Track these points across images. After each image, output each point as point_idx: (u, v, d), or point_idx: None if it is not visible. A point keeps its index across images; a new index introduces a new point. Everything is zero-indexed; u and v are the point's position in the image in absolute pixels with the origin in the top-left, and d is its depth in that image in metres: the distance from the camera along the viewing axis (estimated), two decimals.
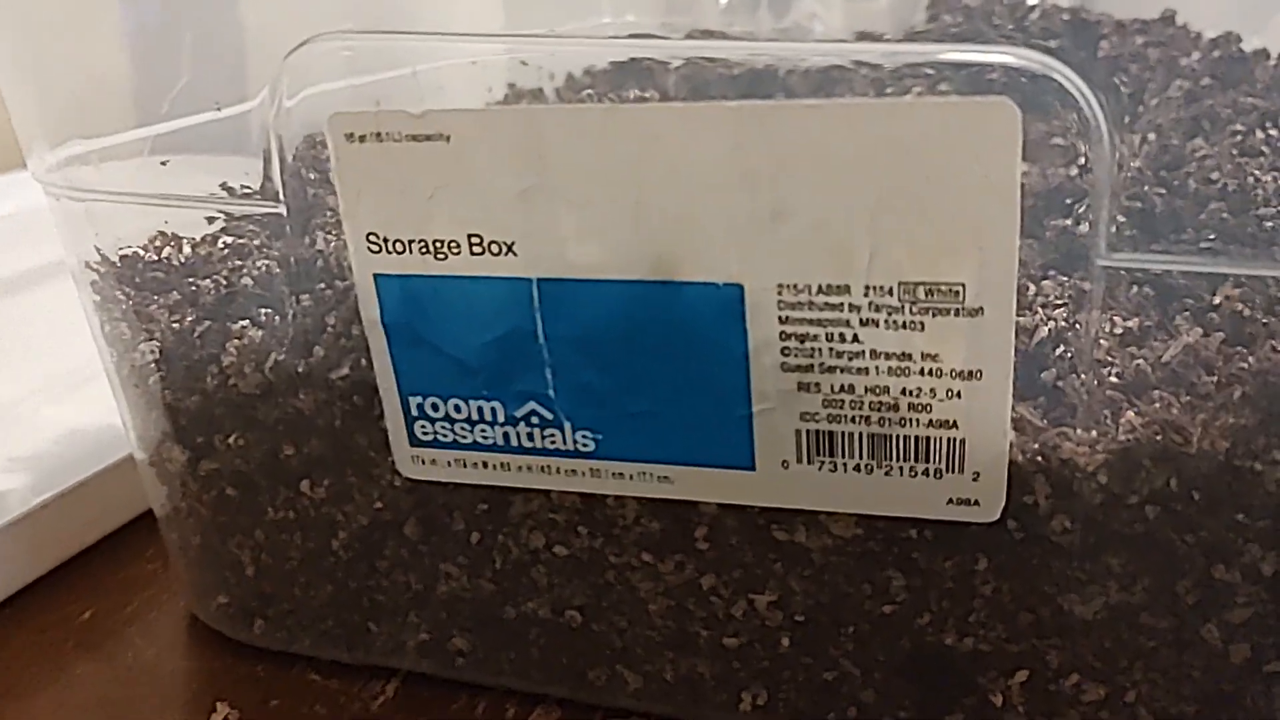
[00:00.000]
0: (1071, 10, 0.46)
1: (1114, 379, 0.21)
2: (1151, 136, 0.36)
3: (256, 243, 0.27)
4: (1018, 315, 0.21)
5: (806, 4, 0.65)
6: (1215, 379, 0.20)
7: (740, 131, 0.19)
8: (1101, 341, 0.22)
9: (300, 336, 0.25)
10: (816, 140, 0.19)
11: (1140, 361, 0.21)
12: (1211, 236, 0.27)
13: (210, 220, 0.29)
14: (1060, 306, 0.22)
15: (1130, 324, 0.23)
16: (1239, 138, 0.33)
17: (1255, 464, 0.20)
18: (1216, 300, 0.21)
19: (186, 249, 0.29)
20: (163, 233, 0.29)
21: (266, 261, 0.26)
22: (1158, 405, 0.20)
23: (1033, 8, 0.46)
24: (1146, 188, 0.29)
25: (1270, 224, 0.27)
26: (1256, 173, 0.28)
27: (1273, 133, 0.33)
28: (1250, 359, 0.20)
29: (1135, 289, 0.23)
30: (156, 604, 0.31)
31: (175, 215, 0.28)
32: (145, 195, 0.26)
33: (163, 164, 0.31)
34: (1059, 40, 0.44)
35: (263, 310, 0.25)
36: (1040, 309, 0.21)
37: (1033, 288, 0.22)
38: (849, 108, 0.19)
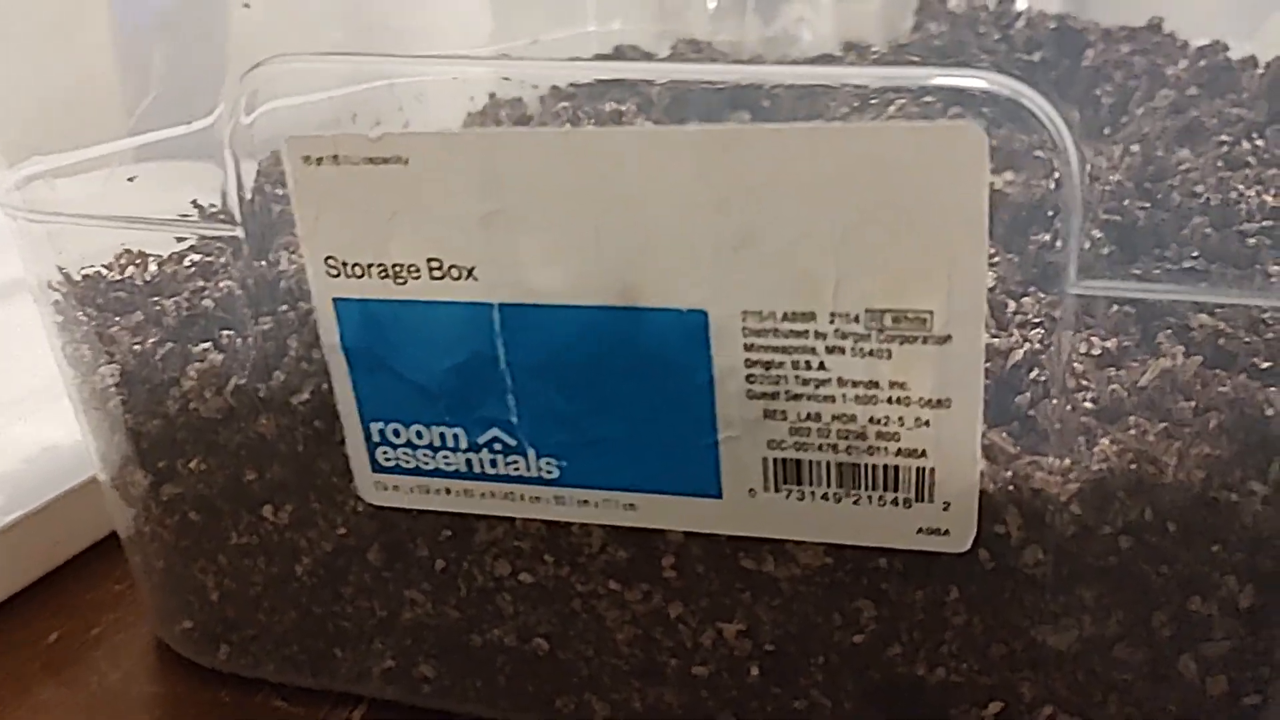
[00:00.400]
0: (1057, 18, 0.45)
1: (1089, 404, 0.21)
2: (1135, 148, 0.35)
3: (223, 260, 0.27)
4: (992, 338, 0.21)
5: (795, 10, 0.65)
6: (1193, 405, 0.20)
7: (702, 157, 0.19)
8: (1076, 365, 0.21)
9: (261, 360, 0.24)
10: (780, 166, 0.19)
11: (1116, 386, 0.21)
12: (1194, 254, 0.26)
13: (180, 238, 0.28)
14: (1035, 327, 0.22)
15: (1108, 344, 0.22)
16: (1225, 149, 0.32)
17: (1232, 495, 0.19)
18: (1193, 324, 0.21)
19: (153, 267, 0.28)
20: (129, 250, 0.29)
21: (229, 283, 0.25)
22: (1133, 433, 0.20)
23: (1018, 16, 0.45)
24: (1127, 201, 0.28)
25: (1253, 240, 0.26)
26: (1240, 187, 0.28)
27: (1259, 143, 0.33)
28: (1227, 386, 0.20)
29: (1114, 308, 0.23)
30: (123, 627, 0.30)
31: (142, 231, 0.28)
32: (103, 217, 0.25)
33: (130, 180, 0.30)
34: (1043, 50, 0.43)
35: (225, 332, 0.25)
36: (1014, 332, 0.21)
37: (1005, 310, 0.21)
38: (814, 133, 0.19)
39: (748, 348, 0.20)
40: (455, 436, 0.23)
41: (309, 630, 0.26)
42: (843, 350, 0.20)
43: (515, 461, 0.23)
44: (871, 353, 0.20)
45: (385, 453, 0.24)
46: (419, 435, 0.23)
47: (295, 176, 0.21)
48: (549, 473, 0.23)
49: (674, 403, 0.21)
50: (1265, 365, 0.22)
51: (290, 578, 0.26)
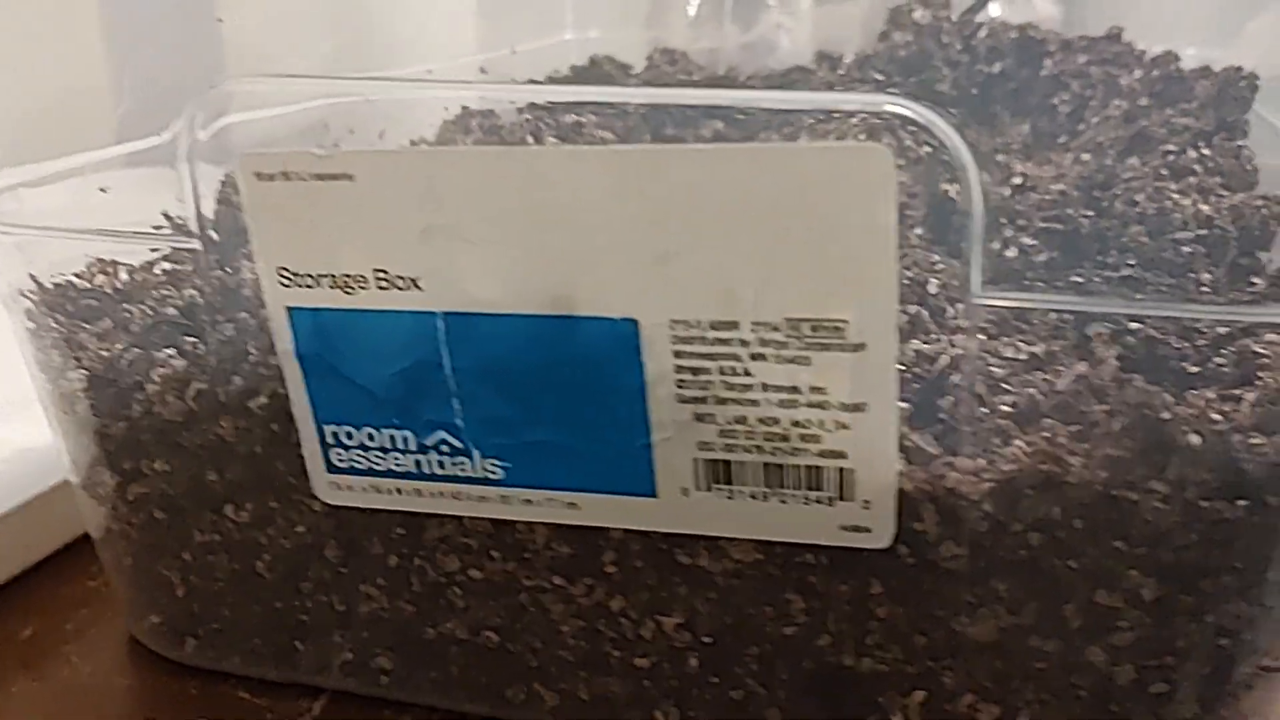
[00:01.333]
0: (1019, 28, 0.46)
1: (1006, 408, 0.22)
2: (1086, 156, 0.36)
3: (191, 268, 0.28)
4: (920, 344, 0.22)
5: (773, 17, 0.66)
6: (1100, 409, 0.21)
7: (625, 175, 0.20)
8: (996, 369, 0.22)
9: (221, 365, 0.25)
10: (701, 183, 0.20)
11: (1034, 390, 0.22)
12: (1131, 261, 0.27)
13: (154, 247, 0.29)
14: (950, 335, 0.23)
15: (1036, 349, 0.24)
16: (1171, 158, 0.33)
17: (1131, 494, 0.20)
18: (1090, 333, 0.22)
19: (124, 275, 0.29)
20: (100, 259, 0.29)
21: (193, 291, 0.26)
22: (1043, 435, 0.21)
23: (979, 26, 0.46)
24: (1070, 210, 0.29)
25: (1188, 249, 0.28)
26: (1175, 196, 0.29)
27: (1206, 152, 0.34)
28: (1129, 390, 0.21)
29: (1050, 314, 0.24)
30: (96, 623, 0.31)
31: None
32: (66, 230, 0.26)
33: (101, 190, 0.31)
34: (1003, 61, 0.44)
35: (188, 339, 0.26)
36: (928, 339, 0.22)
37: (921, 318, 0.22)
38: (732, 152, 0.20)
39: (676, 354, 0.21)
40: (404, 439, 0.24)
41: (271, 624, 0.28)
42: (765, 357, 0.21)
43: (461, 463, 0.24)
44: (792, 360, 0.21)
45: (339, 454, 0.25)
46: (370, 438, 0.24)
47: (248, 191, 0.22)
48: (493, 473, 0.24)
49: (609, 407, 0.22)
50: (1193, 370, 0.23)
51: (252, 574, 0.27)
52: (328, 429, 0.24)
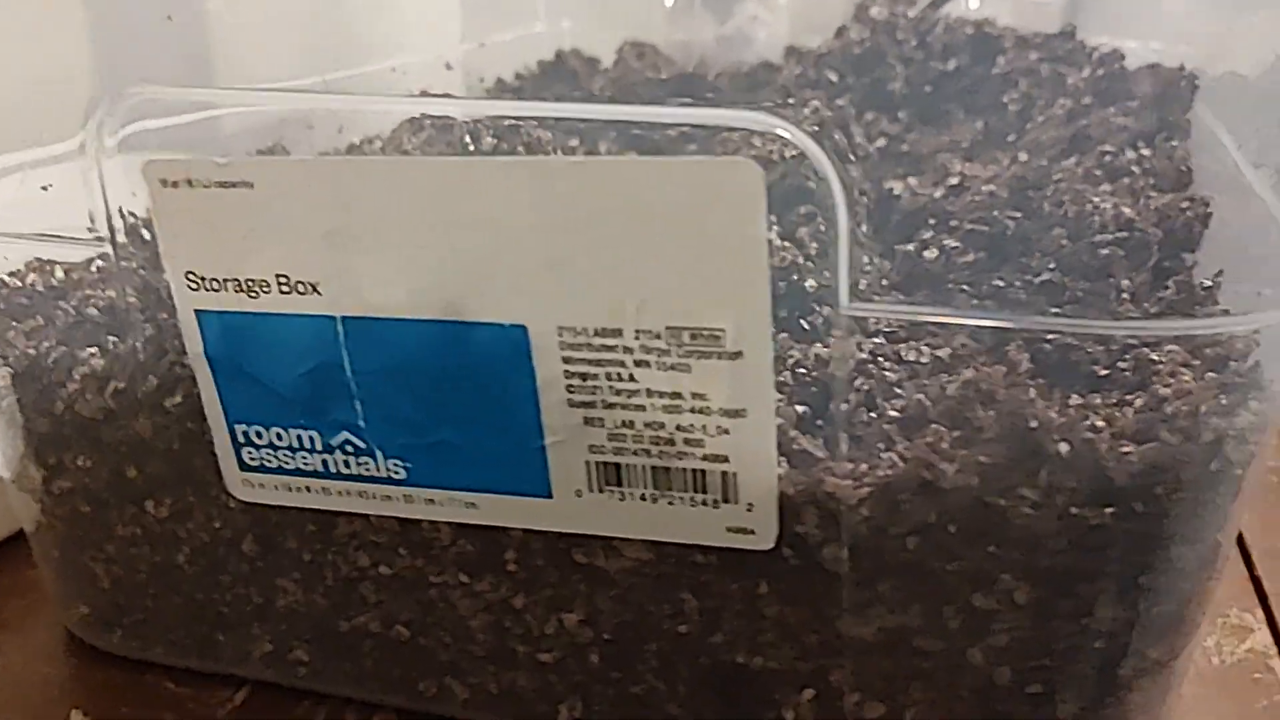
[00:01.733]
0: (975, 24, 0.47)
1: (894, 413, 0.22)
2: (1023, 156, 0.37)
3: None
4: (797, 352, 0.23)
5: (749, 7, 0.66)
6: (977, 416, 0.21)
7: (511, 186, 0.21)
8: (890, 375, 0.23)
9: (140, 364, 0.26)
10: (582, 195, 0.20)
11: (922, 395, 0.22)
12: (1051, 265, 0.28)
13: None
14: (831, 343, 0.23)
15: (941, 353, 0.24)
16: (1108, 158, 0.34)
17: (1001, 500, 0.21)
18: (946, 351, 0.22)
19: (60, 273, 0.30)
20: (39, 257, 0.30)
21: (113, 292, 0.27)
22: (922, 440, 0.21)
23: (936, 23, 0.47)
24: (997, 212, 0.30)
25: (1105, 251, 0.28)
26: (1095, 199, 0.29)
27: (1145, 152, 0.34)
28: (1000, 398, 0.21)
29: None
30: (31, 613, 0.32)
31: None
32: None
33: (43, 189, 0.32)
34: (958, 58, 0.45)
35: (110, 338, 0.27)
36: (806, 348, 0.22)
37: (799, 327, 0.23)
38: (607, 165, 0.20)
39: (565, 360, 0.22)
40: (311, 439, 0.25)
41: (193, 616, 0.28)
42: (649, 364, 0.21)
43: (366, 463, 0.24)
44: (673, 366, 0.21)
45: (250, 453, 0.25)
46: (279, 437, 0.25)
47: (154, 197, 0.23)
48: (396, 473, 0.24)
49: (503, 410, 0.23)
50: (1103, 374, 0.23)
51: (172, 567, 0.28)
52: (238, 428, 0.25)
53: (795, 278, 0.23)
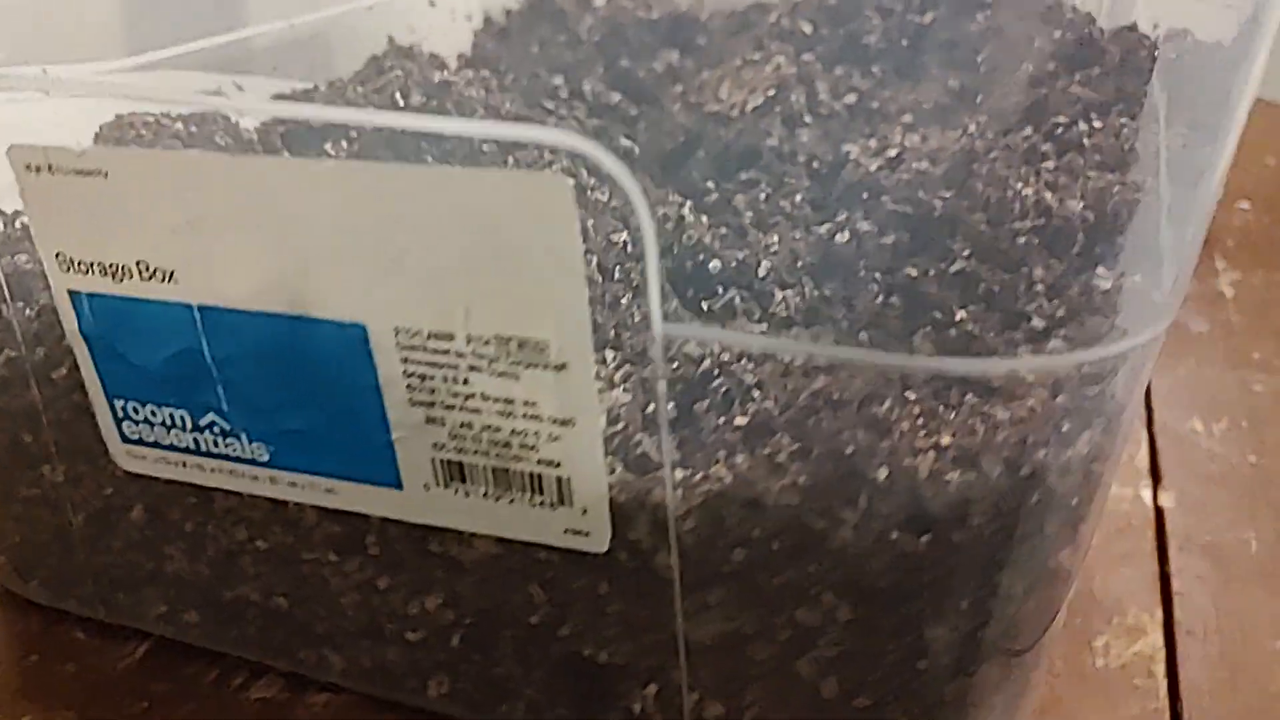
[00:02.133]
0: None
1: (719, 429, 0.22)
2: (972, 127, 0.36)
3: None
4: (615, 366, 0.22)
5: None
6: (794, 440, 0.21)
7: (348, 189, 0.21)
8: (718, 390, 0.23)
9: (30, 336, 0.26)
10: (409, 201, 0.20)
11: (745, 414, 0.22)
12: (967, 253, 0.27)
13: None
14: (649, 360, 0.23)
15: (748, 376, 0.23)
16: (1060, 131, 0.32)
17: (819, 521, 0.21)
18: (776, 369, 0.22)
19: None
20: None
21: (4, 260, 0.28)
22: (745, 458, 0.21)
23: None
24: (923, 192, 0.29)
25: (1023, 240, 0.27)
26: (1017, 185, 0.28)
27: (1096, 125, 0.33)
28: (825, 421, 0.21)
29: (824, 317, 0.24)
30: None
31: None
32: None
33: None
34: (936, 11, 0.43)
35: (1, 305, 0.27)
36: (620, 365, 0.22)
37: (622, 344, 0.23)
38: (429, 173, 0.20)
39: (404, 360, 0.22)
40: (182, 417, 0.25)
41: (95, 574, 0.29)
42: (481, 370, 0.22)
43: (232, 444, 0.25)
44: (504, 374, 0.21)
45: (130, 426, 0.26)
46: (154, 414, 0.25)
47: (21, 181, 0.23)
48: (260, 456, 0.25)
49: (351, 403, 0.23)
50: (930, 399, 0.22)
51: (70, 528, 0.29)
52: (117, 403, 0.26)
53: (610, 296, 0.23)
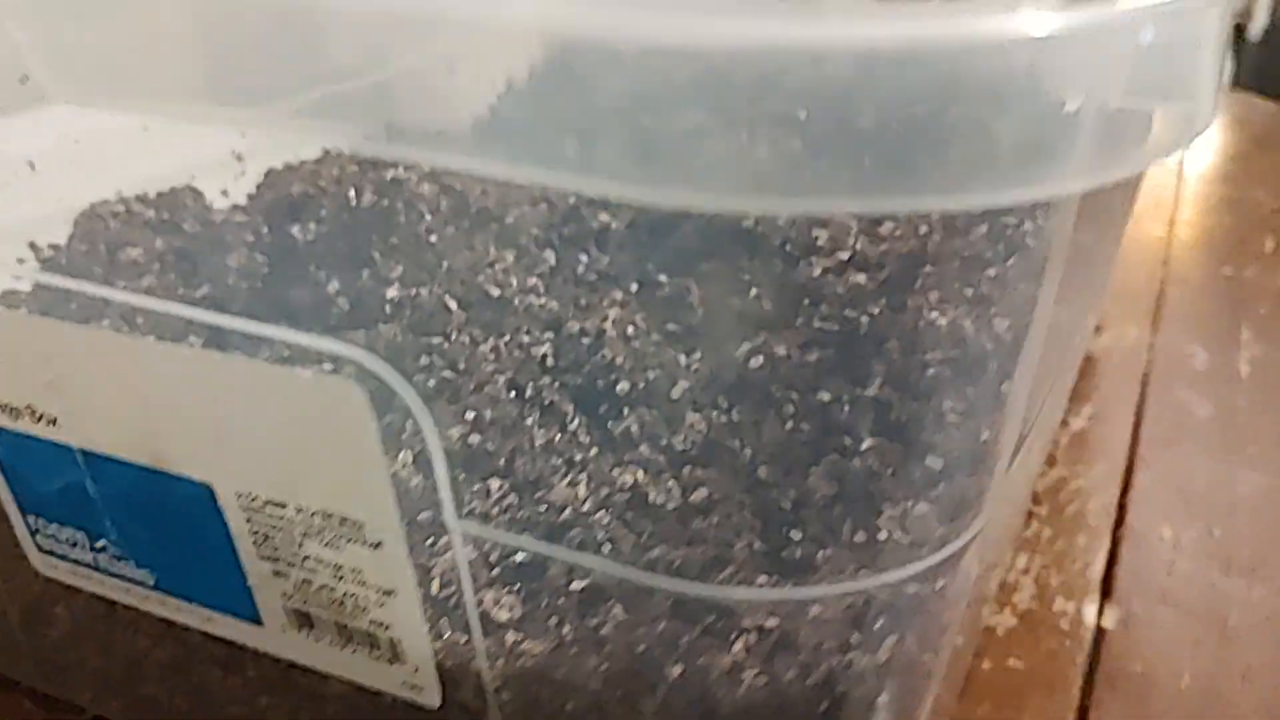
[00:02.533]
0: None
1: (542, 608, 0.23)
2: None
3: None
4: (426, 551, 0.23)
5: None
6: (593, 631, 0.22)
7: (183, 369, 0.22)
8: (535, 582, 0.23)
9: None
10: (234, 385, 0.21)
11: (546, 602, 0.22)
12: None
13: None
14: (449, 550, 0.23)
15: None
16: None
17: (619, 709, 0.21)
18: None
19: None
20: None
21: None
22: (546, 641, 0.22)
23: None
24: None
25: (932, 372, 0.27)
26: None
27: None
28: (613, 615, 0.21)
29: None
30: None
31: None
32: None
33: None
34: None
35: None
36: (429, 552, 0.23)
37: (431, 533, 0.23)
38: (245, 365, 0.21)
39: (248, 520, 0.23)
40: (82, 539, 0.27)
41: (34, 656, 0.32)
42: (312, 537, 0.23)
43: (123, 566, 0.27)
44: (330, 544, 0.22)
45: (42, 539, 0.28)
46: (59, 531, 0.27)
47: None
48: (147, 580, 0.26)
49: (212, 549, 0.24)
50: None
51: (6, 616, 0.31)
52: (29, 519, 0.28)
53: (407, 490, 0.23)
